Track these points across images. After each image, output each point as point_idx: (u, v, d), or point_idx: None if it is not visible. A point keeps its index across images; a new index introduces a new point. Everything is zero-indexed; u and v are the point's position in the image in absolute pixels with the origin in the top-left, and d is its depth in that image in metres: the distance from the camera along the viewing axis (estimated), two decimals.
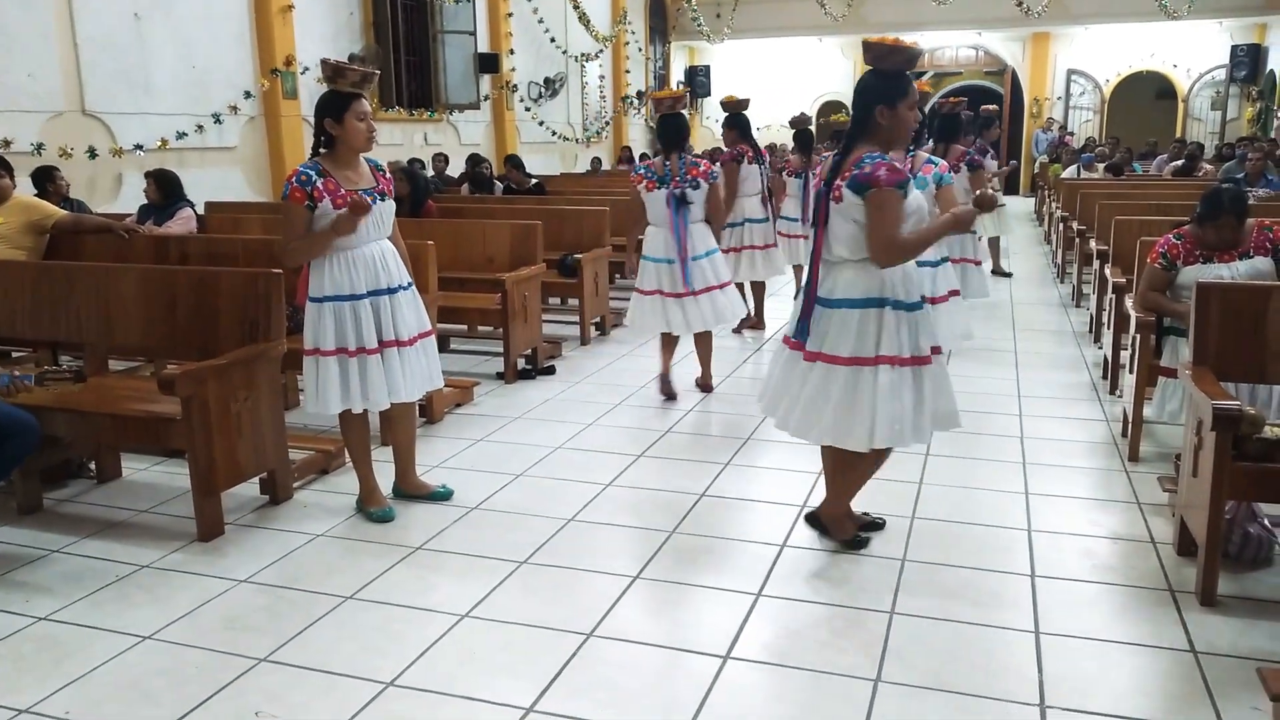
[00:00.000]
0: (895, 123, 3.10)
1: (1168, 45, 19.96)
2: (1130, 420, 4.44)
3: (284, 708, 2.58)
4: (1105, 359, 5.80)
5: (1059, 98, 21.30)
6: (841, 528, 3.51)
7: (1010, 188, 21.94)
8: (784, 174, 8.11)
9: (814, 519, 3.61)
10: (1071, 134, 20.43)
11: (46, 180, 6.76)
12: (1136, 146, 16.85)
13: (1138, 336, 4.37)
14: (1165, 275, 4.29)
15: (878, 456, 3.33)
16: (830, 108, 20.78)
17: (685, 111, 5.43)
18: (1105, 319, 6.05)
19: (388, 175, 3.84)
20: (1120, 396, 5.25)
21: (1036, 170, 19.01)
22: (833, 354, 3.15)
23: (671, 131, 5.29)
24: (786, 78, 21.97)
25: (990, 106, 10.00)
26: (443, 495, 4.01)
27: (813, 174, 7.51)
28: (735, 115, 7.04)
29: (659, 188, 5.21)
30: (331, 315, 3.59)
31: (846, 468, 3.39)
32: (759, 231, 7.11)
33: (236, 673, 2.74)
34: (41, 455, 3.70)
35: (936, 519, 3.76)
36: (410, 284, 3.81)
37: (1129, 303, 4.76)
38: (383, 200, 3.72)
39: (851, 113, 3.23)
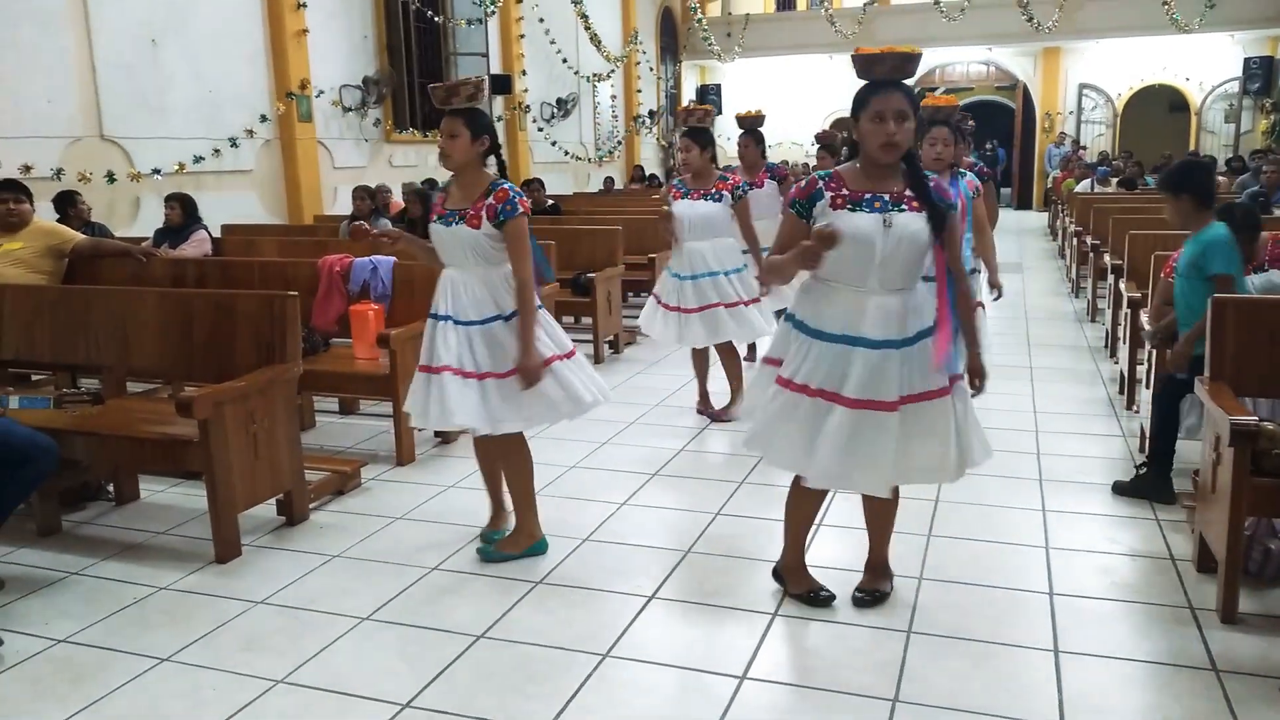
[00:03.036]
0: (860, 137, 2.86)
1: (1180, 58, 19.94)
2: (1148, 436, 4.40)
3: None
4: (1122, 374, 5.77)
5: (1071, 112, 21.30)
6: (797, 580, 3.28)
7: (1022, 203, 21.95)
8: None
9: (776, 573, 3.36)
10: (1084, 148, 20.41)
11: (68, 205, 6.84)
12: (1150, 160, 16.82)
13: (1154, 351, 4.35)
14: None
15: (808, 498, 3.14)
16: (843, 125, 20.81)
17: (710, 126, 5.47)
18: (1121, 334, 6.02)
19: (492, 201, 3.38)
20: (1137, 412, 5.22)
21: (1049, 185, 18.98)
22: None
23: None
24: (798, 95, 22.03)
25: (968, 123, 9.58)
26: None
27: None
28: (749, 131, 6.99)
29: (683, 198, 5.24)
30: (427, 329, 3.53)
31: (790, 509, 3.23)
32: None
33: (254, 694, 2.74)
34: (60, 477, 3.73)
35: (952, 536, 3.74)
36: (478, 320, 3.44)
37: (1144, 317, 4.74)
38: (457, 224, 3.40)
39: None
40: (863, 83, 2.88)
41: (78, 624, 3.19)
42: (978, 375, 3.09)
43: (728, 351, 5.53)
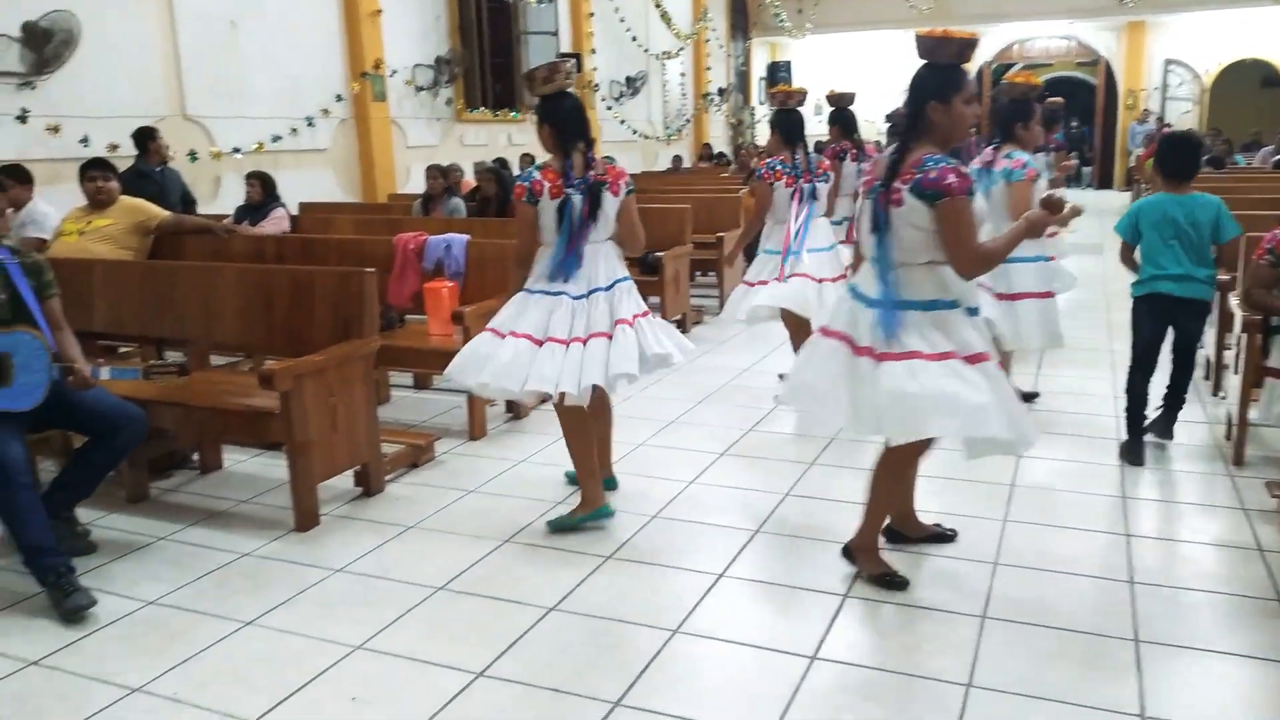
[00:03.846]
0: (949, 119, 2.89)
1: (1274, 31, 19.10)
2: (1235, 423, 4.27)
3: (378, 695, 2.64)
4: (1208, 360, 5.59)
5: (1155, 88, 20.57)
6: (872, 562, 3.27)
7: (1104, 182, 21.31)
8: None
9: (846, 551, 3.35)
10: (1169, 125, 19.71)
11: (148, 139, 6.99)
12: (1239, 138, 16.19)
13: (1244, 336, 4.21)
14: (1273, 272, 4.11)
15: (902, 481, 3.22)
16: None
17: (800, 108, 5.45)
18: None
19: (601, 172, 3.62)
20: (1224, 398, 5.06)
21: (1133, 164, 18.39)
22: (902, 352, 2.95)
23: (793, 126, 5.35)
24: (870, 73, 21.64)
25: (1055, 99, 9.38)
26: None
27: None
28: (840, 110, 6.94)
29: (796, 182, 5.28)
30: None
31: (881, 484, 3.22)
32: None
33: (333, 659, 2.82)
34: (148, 446, 3.86)
35: (1029, 522, 3.67)
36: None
37: (1234, 301, 4.58)
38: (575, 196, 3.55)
39: (906, 110, 2.99)
40: (922, 64, 2.94)
41: (166, 587, 3.31)
42: None
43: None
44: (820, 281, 5.27)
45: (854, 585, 3.20)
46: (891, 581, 3.18)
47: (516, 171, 11.18)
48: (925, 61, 2.94)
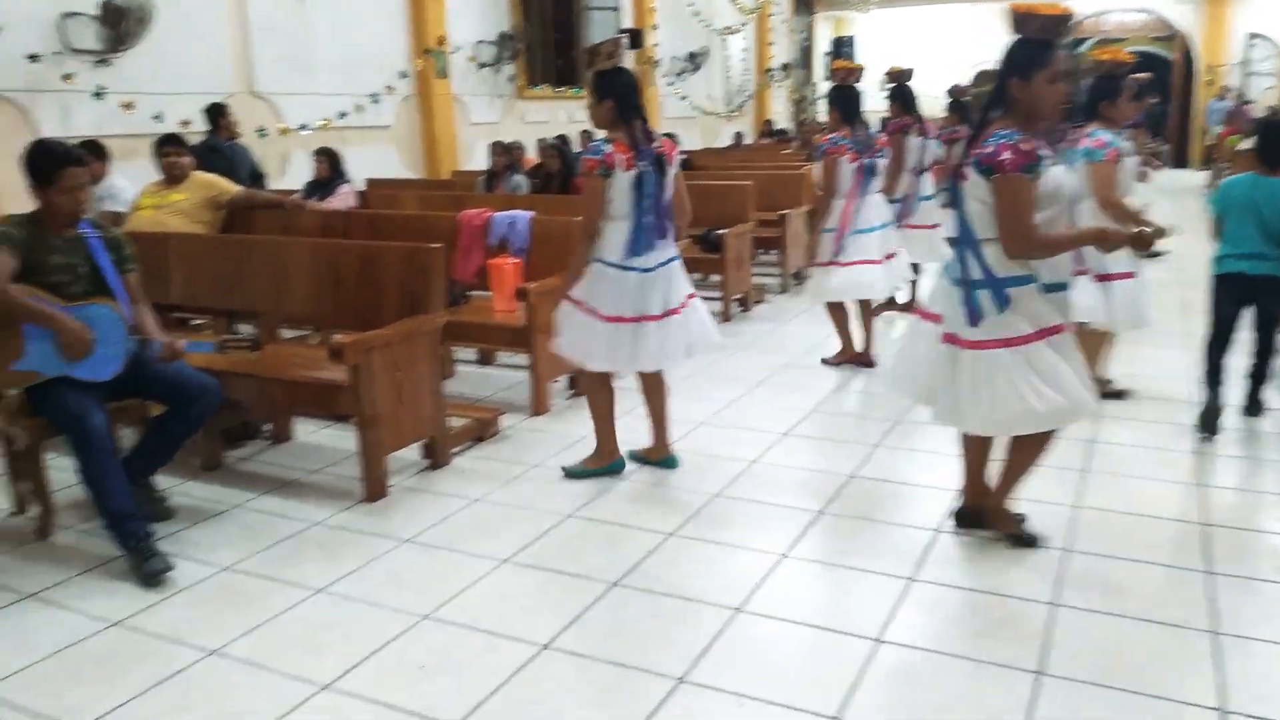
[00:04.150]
0: (1030, 97, 2.84)
1: None
2: None
3: (446, 663, 2.69)
4: None
5: (1236, 64, 19.84)
6: (1005, 520, 3.33)
7: (1179, 160, 20.67)
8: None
9: (967, 514, 3.43)
10: (1250, 102, 19.02)
11: (219, 115, 7.14)
12: None
13: None
14: None
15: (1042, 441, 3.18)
16: (986, 77, 19.97)
17: (843, 84, 5.41)
18: None
19: (659, 145, 3.75)
20: None
21: (1211, 142, 17.78)
22: (981, 340, 2.97)
23: (851, 102, 5.38)
24: (937, 48, 21.19)
25: (1142, 75, 9.11)
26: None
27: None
28: (900, 86, 6.80)
29: (860, 158, 5.33)
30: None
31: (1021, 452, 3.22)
32: (925, 209, 6.89)
33: (401, 628, 2.87)
34: (221, 417, 3.95)
35: (1100, 508, 3.59)
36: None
37: None
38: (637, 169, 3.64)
39: (994, 84, 2.98)
40: (1019, 38, 2.88)
41: (240, 553, 3.39)
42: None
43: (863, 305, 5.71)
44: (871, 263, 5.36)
45: (920, 568, 3.17)
46: (1022, 539, 3.25)
47: (576, 149, 11.21)
48: (1017, 36, 2.88)
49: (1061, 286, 3.02)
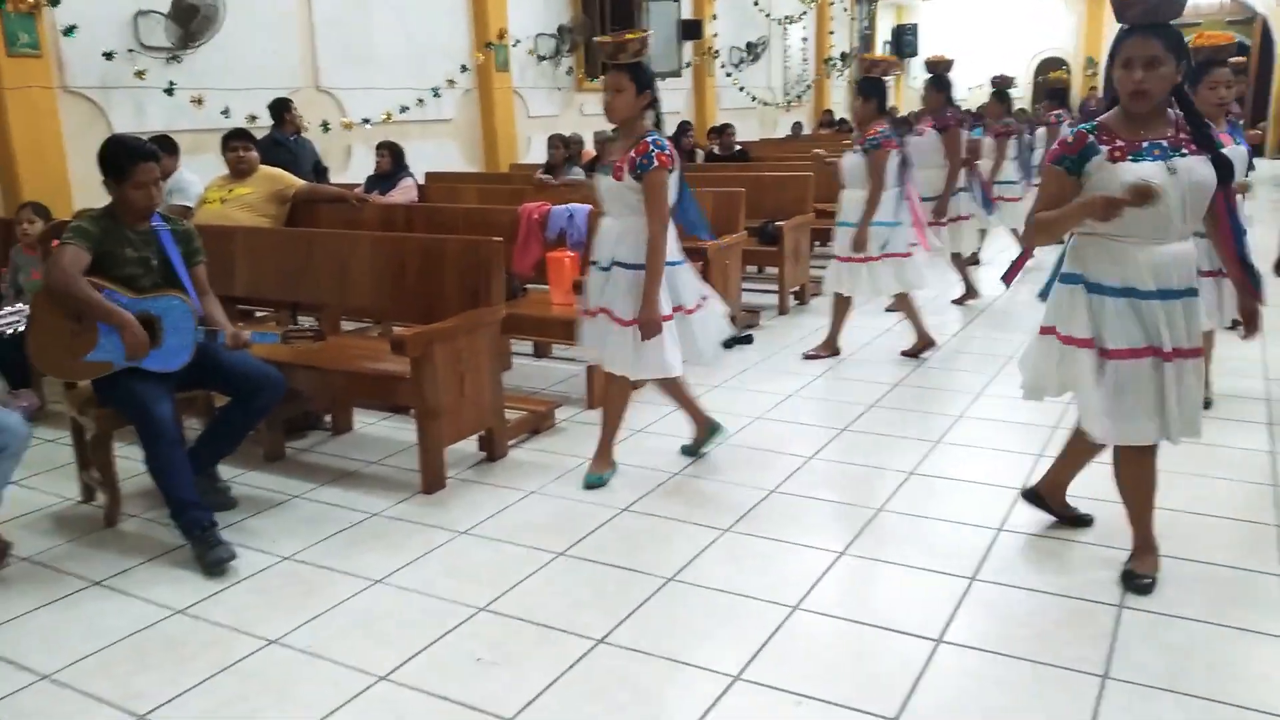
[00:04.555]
0: (1112, 84, 2.77)
1: None
2: None
3: (502, 656, 2.70)
4: None
5: None
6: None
7: (1255, 149, 19.95)
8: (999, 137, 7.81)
9: (1034, 495, 3.42)
10: None
11: (284, 110, 7.29)
12: None
13: None
14: None
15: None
16: (1049, 65, 19.52)
17: (883, 77, 5.48)
18: None
19: (633, 154, 3.58)
20: None
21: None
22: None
23: (886, 94, 5.42)
24: (1000, 35, 20.78)
25: (1238, 60, 8.86)
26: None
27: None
28: (940, 76, 6.72)
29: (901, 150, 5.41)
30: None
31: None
32: (964, 201, 6.89)
33: (459, 620, 2.89)
34: (284, 407, 4.02)
35: (1170, 509, 3.47)
36: (624, 264, 3.65)
37: None
38: (606, 174, 3.65)
39: None
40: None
41: (301, 543, 3.45)
42: (1253, 317, 2.97)
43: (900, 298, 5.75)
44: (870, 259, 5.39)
45: (981, 568, 3.11)
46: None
47: None
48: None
49: (1160, 295, 2.76)
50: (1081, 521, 3.38)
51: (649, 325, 3.56)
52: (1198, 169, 2.67)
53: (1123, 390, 2.79)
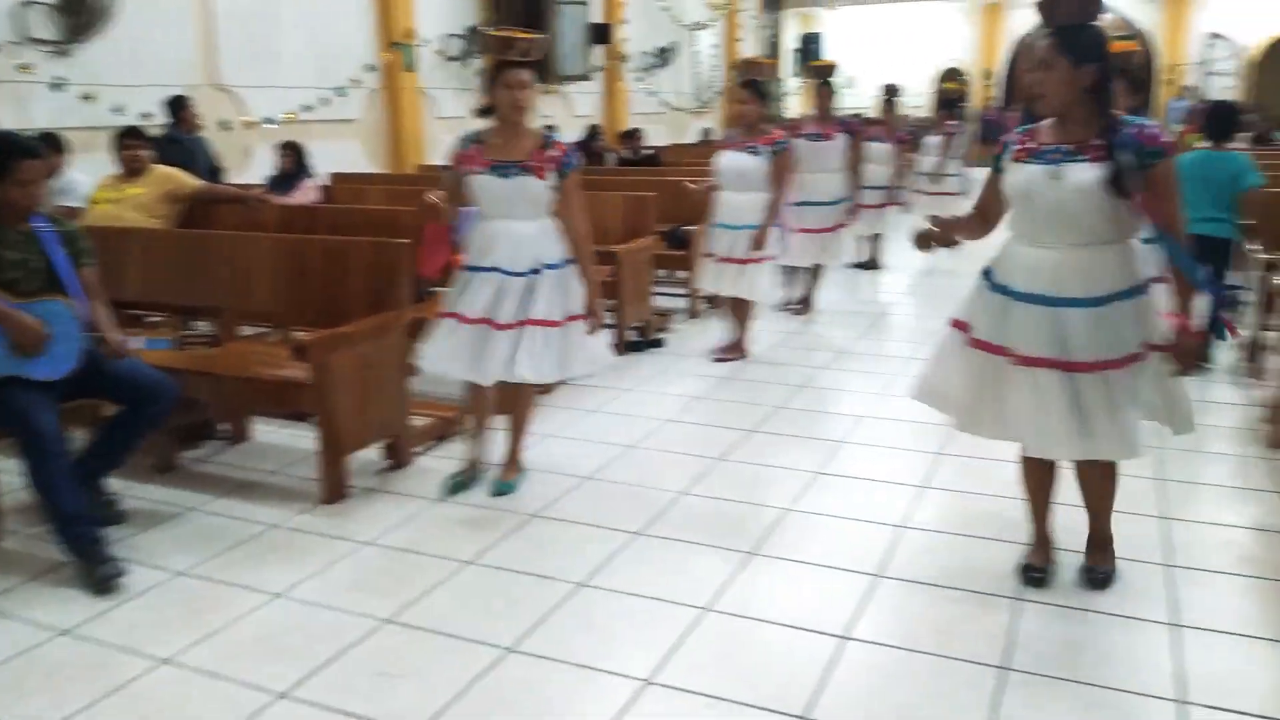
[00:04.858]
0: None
1: None
2: (1274, 406, 4.17)
3: (408, 669, 2.64)
4: (1252, 341, 5.46)
5: (1196, 63, 20.12)
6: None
7: None
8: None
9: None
10: (1207, 102, 19.25)
11: (180, 109, 7.05)
12: None
13: None
14: None
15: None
16: (950, 76, 20.12)
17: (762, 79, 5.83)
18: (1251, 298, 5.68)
19: (554, 154, 3.59)
20: (1264, 380, 4.95)
21: (1171, 139, 17.98)
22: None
23: (764, 96, 5.75)
24: (905, 46, 21.33)
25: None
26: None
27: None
28: (827, 80, 6.97)
29: (729, 149, 5.67)
30: (461, 281, 3.71)
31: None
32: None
33: (363, 633, 2.82)
34: (177, 416, 3.86)
35: (1061, 503, 3.59)
36: (546, 267, 3.63)
37: (1278, 280, 4.46)
38: (517, 175, 3.56)
39: None
40: None
41: (196, 558, 3.32)
42: (1186, 354, 2.71)
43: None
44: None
45: (885, 565, 3.16)
46: (1027, 575, 3.02)
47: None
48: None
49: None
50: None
51: (597, 315, 3.74)
52: (1083, 175, 2.61)
53: (982, 383, 2.85)
